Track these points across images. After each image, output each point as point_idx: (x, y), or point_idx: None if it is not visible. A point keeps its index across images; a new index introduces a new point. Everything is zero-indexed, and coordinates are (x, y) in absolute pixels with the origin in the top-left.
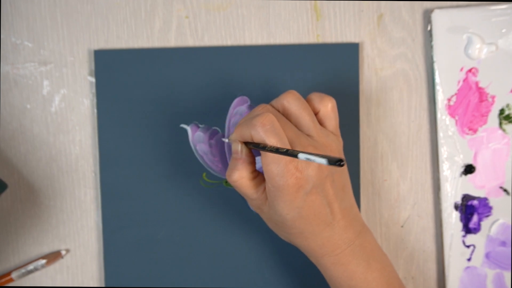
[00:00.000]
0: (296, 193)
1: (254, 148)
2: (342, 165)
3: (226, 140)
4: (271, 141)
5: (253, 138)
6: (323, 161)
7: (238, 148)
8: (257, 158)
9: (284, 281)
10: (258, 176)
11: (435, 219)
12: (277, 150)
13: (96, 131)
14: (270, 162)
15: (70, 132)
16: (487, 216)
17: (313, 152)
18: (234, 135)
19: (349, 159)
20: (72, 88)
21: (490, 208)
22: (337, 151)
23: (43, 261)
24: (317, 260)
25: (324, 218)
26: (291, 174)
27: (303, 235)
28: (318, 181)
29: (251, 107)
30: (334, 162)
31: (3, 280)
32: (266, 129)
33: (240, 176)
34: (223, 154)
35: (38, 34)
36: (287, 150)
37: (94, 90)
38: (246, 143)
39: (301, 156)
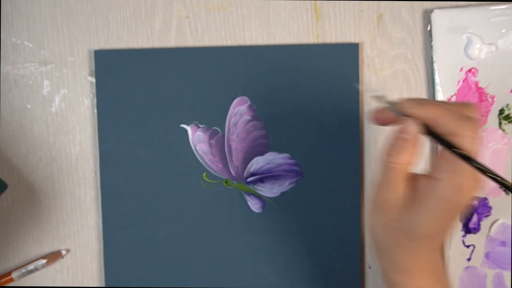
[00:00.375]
0: (454, 214)
1: (444, 146)
2: None
3: (381, 97)
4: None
5: (456, 138)
6: None
7: (415, 129)
8: (262, 157)
9: (284, 281)
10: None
11: None
12: (498, 180)
13: (96, 131)
14: (457, 171)
15: (70, 132)
16: (487, 216)
17: None
18: (420, 112)
19: (349, 159)
20: (72, 88)
21: (490, 208)
22: None
23: (43, 261)
24: (403, 281)
25: (443, 241)
26: (468, 194)
27: (413, 252)
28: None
29: (251, 107)
30: None
31: (4, 280)
32: (478, 142)
33: (404, 161)
34: (223, 154)
35: (38, 34)
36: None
37: (94, 90)
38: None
39: None
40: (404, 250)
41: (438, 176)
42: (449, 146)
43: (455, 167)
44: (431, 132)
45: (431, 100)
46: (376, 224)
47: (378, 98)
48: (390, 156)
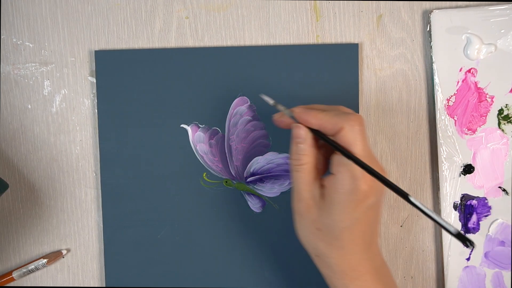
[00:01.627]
0: (361, 203)
1: (329, 143)
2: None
3: (275, 104)
4: (361, 146)
5: (342, 131)
6: (450, 229)
7: (304, 133)
8: (262, 157)
9: (284, 281)
10: (319, 173)
11: None
12: (389, 184)
13: (96, 131)
14: (349, 163)
15: (70, 132)
16: (486, 215)
17: None
18: (306, 118)
19: None
20: (73, 88)
21: (489, 207)
22: None
23: (44, 260)
24: (343, 284)
25: (368, 238)
26: (365, 181)
27: (343, 251)
28: (380, 198)
29: (251, 107)
30: (463, 240)
31: (4, 279)
32: (361, 129)
33: (306, 161)
34: (223, 154)
35: (39, 35)
36: (395, 185)
37: (94, 91)
38: (316, 135)
39: (415, 201)
40: (334, 252)
41: (335, 171)
42: (334, 145)
43: (347, 161)
44: (320, 134)
45: (317, 106)
46: (303, 231)
47: (274, 104)
48: (293, 160)
